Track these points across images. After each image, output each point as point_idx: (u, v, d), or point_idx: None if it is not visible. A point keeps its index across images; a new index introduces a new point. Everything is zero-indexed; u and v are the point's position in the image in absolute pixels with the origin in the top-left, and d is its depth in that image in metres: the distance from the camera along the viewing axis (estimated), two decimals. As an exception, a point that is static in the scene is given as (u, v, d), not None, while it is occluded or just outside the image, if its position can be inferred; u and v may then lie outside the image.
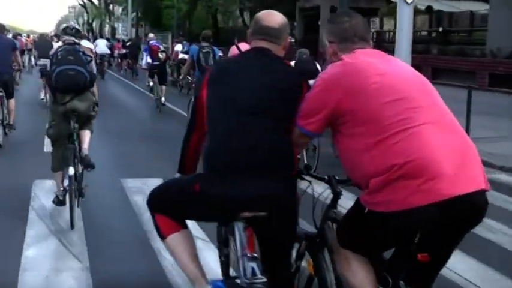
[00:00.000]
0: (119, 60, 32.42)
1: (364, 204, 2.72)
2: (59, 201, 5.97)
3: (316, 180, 3.32)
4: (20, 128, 10.94)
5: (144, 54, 18.88)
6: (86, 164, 6.28)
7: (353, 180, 2.88)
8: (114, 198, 7.06)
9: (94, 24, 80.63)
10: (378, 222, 2.68)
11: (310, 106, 2.90)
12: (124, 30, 55.54)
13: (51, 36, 23.07)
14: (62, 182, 5.89)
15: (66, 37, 6.32)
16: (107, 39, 35.49)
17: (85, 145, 6.34)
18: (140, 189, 7.06)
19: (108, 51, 28.87)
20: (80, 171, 6.25)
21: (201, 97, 3.18)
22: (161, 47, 17.65)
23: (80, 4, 79.43)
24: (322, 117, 2.84)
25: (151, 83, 17.54)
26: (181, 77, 12.99)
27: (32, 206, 6.47)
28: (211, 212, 3.09)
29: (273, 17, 3.23)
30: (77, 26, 7.58)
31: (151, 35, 21.42)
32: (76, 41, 6.37)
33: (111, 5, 66.81)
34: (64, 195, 5.88)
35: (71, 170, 5.79)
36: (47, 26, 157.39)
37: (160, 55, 16.53)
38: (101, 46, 26.37)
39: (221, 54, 17.73)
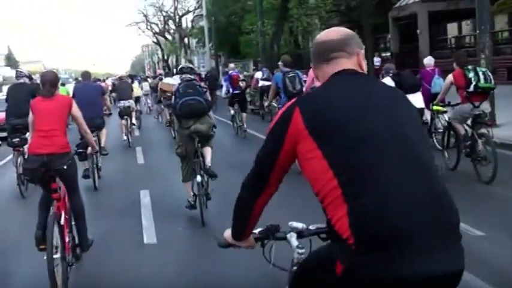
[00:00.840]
0: None
1: None
2: (190, 206, 7.93)
3: None
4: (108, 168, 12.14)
5: (224, 83, 19.36)
6: (210, 174, 8.08)
7: None
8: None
9: (170, 60, 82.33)
10: None
11: None
12: (202, 63, 55.75)
13: (128, 77, 23.77)
14: (192, 189, 7.95)
15: (184, 75, 8.22)
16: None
17: (208, 159, 8.09)
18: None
19: None
20: (206, 179, 7.99)
21: (286, 151, 2.40)
22: (241, 76, 18.67)
23: (153, 42, 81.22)
24: None
25: (232, 112, 17.95)
26: (266, 104, 13.03)
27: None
28: None
29: (333, 31, 2.58)
30: (190, 65, 9.29)
31: (231, 65, 23.11)
32: (192, 77, 8.22)
33: (185, 39, 67.63)
34: (194, 201, 7.82)
35: (199, 178, 7.63)
36: (122, 67, 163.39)
37: (240, 83, 17.56)
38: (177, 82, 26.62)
39: (305, 77, 17.63)
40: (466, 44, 31.88)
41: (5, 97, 11.51)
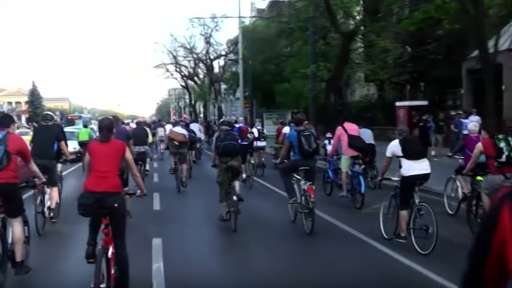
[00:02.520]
0: None
1: None
2: (223, 220, 11.92)
3: None
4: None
5: None
6: (239, 198, 11.78)
7: None
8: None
9: (197, 105, 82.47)
10: None
11: None
12: (233, 110, 54.87)
13: (152, 123, 23.95)
14: (226, 207, 11.83)
15: (224, 127, 12.75)
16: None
17: (237, 188, 12.20)
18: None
19: (202, 136, 30.26)
20: (237, 200, 11.62)
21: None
22: (249, 128, 20.50)
23: (181, 85, 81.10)
24: None
25: None
26: (277, 161, 13.58)
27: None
28: None
29: None
30: (227, 119, 13.97)
31: (240, 118, 25.88)
32: (229, 128, 12.63)
33: (215, 84, 66.63)
34: (226, 215, 11.82)
35: (235, 198, 11.64)
36: (148, 110, 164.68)
37: (248, 135, 19.19)
38: (195, 130, 26.94)
39: (329, 135, 18.24)
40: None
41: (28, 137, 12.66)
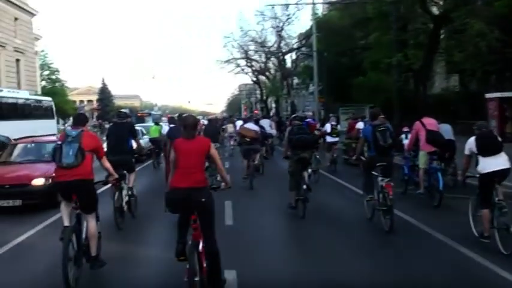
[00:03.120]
0: None
1: None
2: (291, 207, 12.91)
3: None
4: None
5: None
6: (308, 187, 12.72)
7: None
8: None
9: (269, 101, 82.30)
10: None
11: None
12: (308, 105, 53.79)
13: (222, 119, 23.96)
14: (295, 196, 12.82)
15: (296, 121, 13.91)
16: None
17: (306, 178, 13.08)
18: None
19: (273, 132, 29.76)
20: (306, 188, 12.62)
21: None
22: (318, 125, 21.51)
23: (252, 81, 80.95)
24: None
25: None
26: (354, 157, 13.39)
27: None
28: None
29: None
30: (300, 114, 15.55)
31: (309, 113, 26.80)
32: (300, 122, 13.79)
33: (288, 79, 65.93)
34: (296, 203, 12.79)
35: (305, 186, 12.62)
36: (218, 107, 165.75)
37: (316, 132, 19.56)
38: (265, 126, 26.78)
39: (406, 129, 18.11)
40: None
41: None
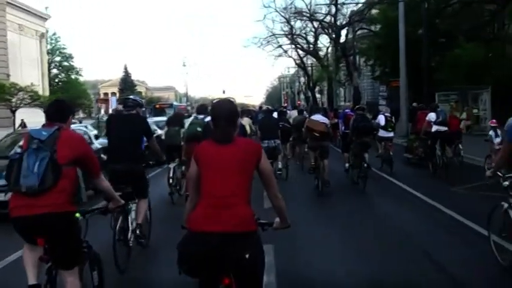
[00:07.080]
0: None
1: None
2: (346, 171, 18.21)
3: None
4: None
5: (340, 122, 21.89)
6: (368, 166, 15.85)
7: None
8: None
9: (316, 89, 77.91)
10: None
11: None
12: (382, 91, 45.44)
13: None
14: (353, 171, 17.22)
15: (359, 111, 17.38)
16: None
17: (366, 158, 15.98)
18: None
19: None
20: (366, 166, 15.74)
21: None
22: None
23: (296, 64, 75.73)
24: None
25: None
26: (488, 173, 10.36)
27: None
28: None
29: None
30: (362, 105, 20.26)
31: (347, 103, 28.02)
32: (363, 112, 17.43)
33: (350, 58, 55.41)
34: (357, 180, 16.36)
35: (365, 165, 15.76)
36: (257, 98, 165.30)
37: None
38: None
39: (493, 123, 17.67)
40: None
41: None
